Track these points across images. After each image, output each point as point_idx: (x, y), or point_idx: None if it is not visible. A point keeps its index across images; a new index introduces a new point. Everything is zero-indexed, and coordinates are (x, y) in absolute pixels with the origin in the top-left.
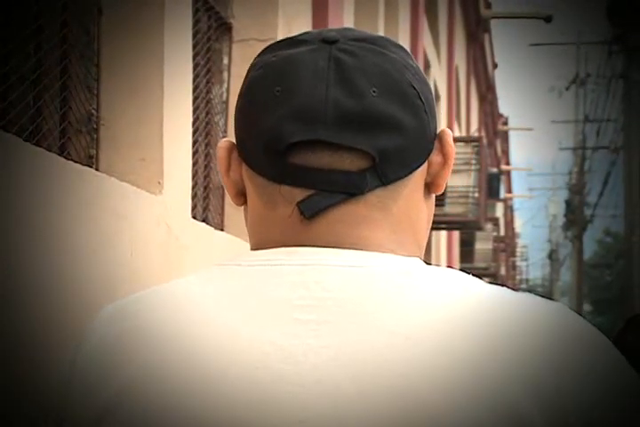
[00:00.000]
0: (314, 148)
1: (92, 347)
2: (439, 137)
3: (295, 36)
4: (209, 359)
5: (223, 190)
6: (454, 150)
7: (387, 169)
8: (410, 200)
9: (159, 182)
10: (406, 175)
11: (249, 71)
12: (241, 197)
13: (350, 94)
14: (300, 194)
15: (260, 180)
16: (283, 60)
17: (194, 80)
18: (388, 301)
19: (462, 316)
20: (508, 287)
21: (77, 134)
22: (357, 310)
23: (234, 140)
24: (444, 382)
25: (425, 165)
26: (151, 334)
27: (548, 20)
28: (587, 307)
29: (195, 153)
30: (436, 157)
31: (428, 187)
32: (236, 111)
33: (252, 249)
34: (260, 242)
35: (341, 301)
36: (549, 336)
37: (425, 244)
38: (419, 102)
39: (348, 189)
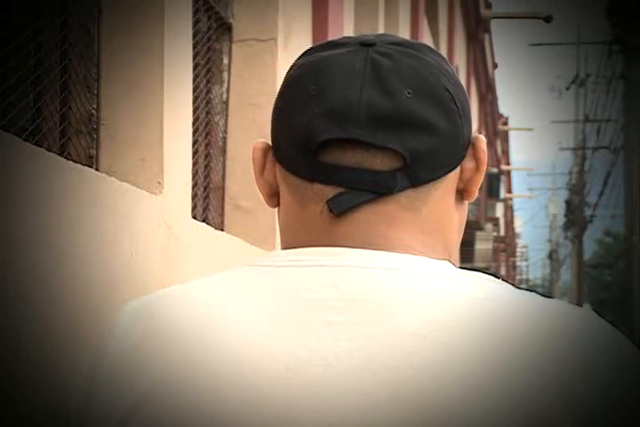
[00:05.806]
0: (345, 146)
1: (115, 347)
2: (472, 143)
3: (335, 40)
4: (236, 362)
5: (223, 190)
6: (487, 157)
7: (418, 170)
8: (440, 204)
9: (159, 182)
10: (437, 178)
11: (287, 72)
12: (275, 199)
13: (384, 95)
14: (331, 192)
15: (293, 178)
16: (320, 60)
17: (194, 80)
18: (418, 304)
19: (492, 321)
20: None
21: (77, 134)
22: (387, 312)
23: (268, 141)
24: (474, 388)
25: (457, 170)
26: (176, 336)
27: (547, 20)
28: None
29: (195, 153)
30: (468, 163)
31: (461, 193)
32: (272, 111)
33: (282, 248)
34: (291, 241)
35: (371, 303)
36: (578, 343)
37: (456, 249)
38: (453, 106)
39: (378, 188)
